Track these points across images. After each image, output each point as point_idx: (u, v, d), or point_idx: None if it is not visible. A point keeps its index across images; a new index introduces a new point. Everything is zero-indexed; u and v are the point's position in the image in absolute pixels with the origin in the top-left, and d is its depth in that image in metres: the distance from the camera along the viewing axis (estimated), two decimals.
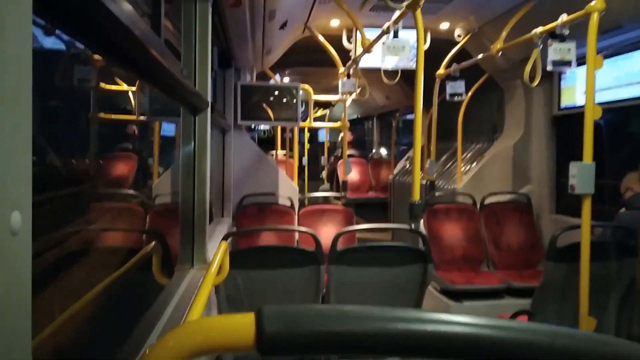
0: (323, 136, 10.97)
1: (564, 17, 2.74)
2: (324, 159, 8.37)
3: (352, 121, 11.00)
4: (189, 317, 1.27)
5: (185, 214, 1.87)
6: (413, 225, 2.58)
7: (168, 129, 3.25)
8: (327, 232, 3.76)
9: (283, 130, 6.54)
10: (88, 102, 1.71)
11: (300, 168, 6.84)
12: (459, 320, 0.40)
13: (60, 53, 1.34)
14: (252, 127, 11.12)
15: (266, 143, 9.94)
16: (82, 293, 1.22)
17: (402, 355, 0.40)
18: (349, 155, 7.74)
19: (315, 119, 8.99)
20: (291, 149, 6.02)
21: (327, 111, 10.63)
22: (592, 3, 2.32)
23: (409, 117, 7.96)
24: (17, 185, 0.43)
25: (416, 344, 0.39)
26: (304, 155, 6.78)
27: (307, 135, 7.22)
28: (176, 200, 1.93)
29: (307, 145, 7.15)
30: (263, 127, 11.66)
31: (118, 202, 2.13)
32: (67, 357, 1.09)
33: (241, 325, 0.40)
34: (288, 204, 4.21)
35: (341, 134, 5.73)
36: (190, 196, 1.86)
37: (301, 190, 6.09)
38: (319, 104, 10.09)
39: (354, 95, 4.90)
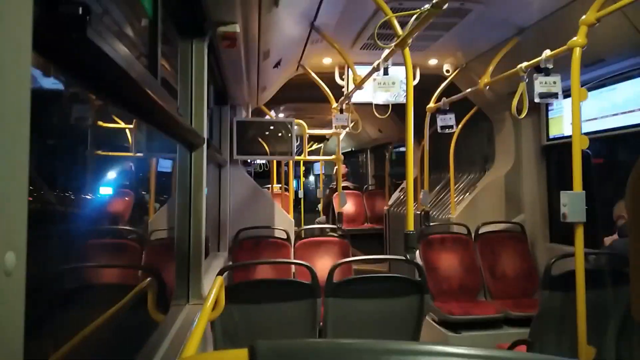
0: (318, 169, 11.06)
1: (547, 52, 2.84)
2: (319, 192, 8.42)
3: (346, 154, 11.14)
4: (184, 353, 1.26)
5: (181, 249, 1.87)
6: (408, 256, 2.58)
7: (164, 164, 3.28)
8: (323, 264, 3.75)
9: (279, 164, 6.60)
10: (85, 140, 1.75)
11: (297, 201, 6.86)
12: (456, 352, 0.39)
13: (58, 92, 1.38)
14: (249, 161, 11.20)
15: (263, 177, 10.01)
16: (77, 330, 1.22)
17: None
18: (344, 187, 7.80)
19: (310, 153, 9.10)
20: (287, 183, 6.07)
21: (321, 145, 10.77)
22: (574, 39, 2.41)
23: (403, 149, 8.06)
24: (11, 226, 0.43)
25: None
26: (300, 189, 6.82)
27: (302, 168, 7.28)
28: (172, 236, 1.94)
29: (302, 179, 7.20)
30: (259, 161, 11.74)
31: (114, 238, 2.13)
32: None
33: None
34: (284, 236, 4.20)
35: (336, 167, 5.80)
36: (186, 231, 1.88)
37: (298, 223, 6.10)
38: (314, 138, 10.22)
39: (347, 129, 4.99)
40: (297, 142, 5.11)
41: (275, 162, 6.39)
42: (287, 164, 6.52)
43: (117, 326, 1.50)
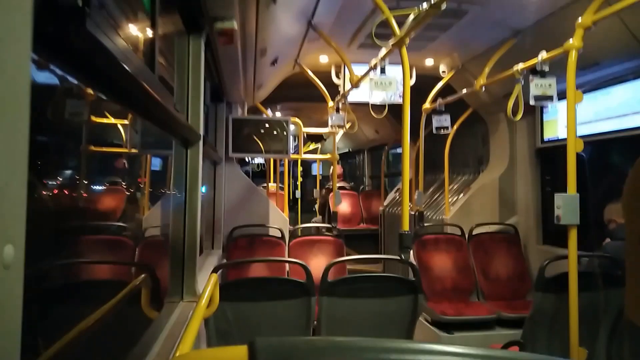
0: (316, 169, 11.10)
1: (543, 55, 2.85)
2: (316, 192, 8.43)
3: (344, 155, 11.16)
4: (179, 350, 1.25)
5: (175, 246, 1.86)
6: (403, 256, 2.59)
7: (157, 163, 3.26)
8: (317, 263, 3.74)
9: (275, 163, 6.61)
10: (80, 135, 1.73)
11: (294, 201, 6.86)
12: (450, 350, 0.40)
13: (54, 87, 1.36)
14: (247, 160, 11.20)
15: (261, 177, 10.02)
16: (70, 327, 1.21)
17: None
18: (340, 188, 7.81)
19: (308, 152, 9.11)
20: (282, 182, 6.07)
21: (319, 145, 10.79)
22: (570, 41, 2.43)
23: (399, 150, 8.08)
24: (10, 219, 0.43)
25: None
26: (297, 189, 6.83)
27: (299, 168, 7.29)
28: (166, 233, 1.93)
29: (300, 179, 7.20)
30: (257, 160, 11.75)
31: (107, 234, 2.12)
32: None
33: (233, 358, 0.40)
34: (278, 235, 4.20)
35: (332, 167, 5.81)
36: (181, 228, 1.87)
37: (295, 223, 6.09)
38: (312, 138, 10.24)
39: (344, 129, 4.99)
40: (294, 141, 5.10)
41: (272, 161, 6.39)
42: (282, 164, 6.51)
43: (111, 322, 1.49)
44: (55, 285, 1.28)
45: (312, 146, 10.90)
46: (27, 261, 0.47)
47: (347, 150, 10.94)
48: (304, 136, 5.58)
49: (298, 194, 6.83)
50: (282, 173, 6.20)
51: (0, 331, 0.41)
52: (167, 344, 1.45)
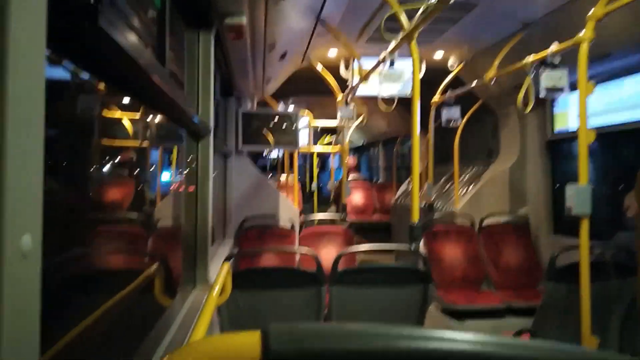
0: (335, 163, 11.21)
1: (554, 47, 2.83)
2: (330, 183, 8.47)
3: (359, 148, 11.16)
4: (193, 337, 1.29)
5: (187, 236, 1.90)
6: (413, 246, 2.61)
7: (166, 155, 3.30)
8: (327, 254, 3.77)
9: (291, 156, 6.65)
10: (92, 129, 1.78)
11: (311, 193, 6.88)
12: (463, 337, 0.40)
13: (67, 82, 1.41)
14: (263, 154, 11.26)
15: (277, 169, 10.08)
16: (87, 314, 1.25)
17: None
18: (354, 179, 7.82)
19: (323, 145, 9.12)
20: (300, 175, 6.10)
21: (334, 137, 10.84)
22: (582, 33, 2.40)
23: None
24: (28, 209, 0.44)
25: None
26: (313, 181, 6.86)
27: (315, 160, 7.32)
28: (178, 223, 1.97)
29: (316, 171, 7.22)
30: (274, 154, 11.79)
31: (121, 225, 2.17)
32: None
33: (247, 343, 0.40)
34: (289, 226, 4.24)
35: (348, 158, 5.83)
36: (193, 219, 1.90)
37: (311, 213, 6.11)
38: (327, 131, 10.27)
39: (357, 122, 5.00)
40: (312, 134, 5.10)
41: (286, 154, 6.44)
42: (303, 157, 6.52)
43: (127, 309, 1.53)
44: (75, 274, 1.33)
45: (327, 139, 10.92)
46: (47, 251, 0.49)
47: (362, 143, 10.97)
48: (318, 129, 5.59)
49: (314, 186, 6.86)
50: (300, 165, 6.22)
51: (19, 318, 0.43)
52: (181, 331, 1.49)
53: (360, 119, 5.31)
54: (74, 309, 1.27)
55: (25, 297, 0.44)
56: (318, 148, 7.51)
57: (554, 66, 2.91)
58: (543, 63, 2.95)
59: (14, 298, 0.42)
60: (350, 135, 5.73)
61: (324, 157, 11.24)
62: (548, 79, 2.92)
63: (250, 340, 0.40)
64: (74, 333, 1.17)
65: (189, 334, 1.41)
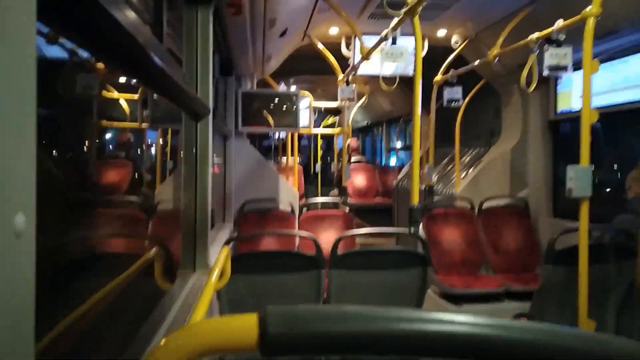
0: (340, 144, 11.13)
1: (559, 23, 2.77)
2: (334, 165, 8.42)
3: (363, 128, 10.99)
4: (192, 319, 1.28)
5: (187, 219, 1.88)
6: (412, 230, 2.60)
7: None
8: (327, 237, 3.77)
9: (293, 137, 6.59)
10: (91, 110, 1.74)
11: (315, 175, 6.85)
12: (461, 320, 0.39)
13: (64, 61, 1.36)
14: (268, 135, 11.16)
15: (278, 151, 10.02)
16: (87, 296, 1.24)
17: (406, 355, 0.40)
18: (357, 162, 7.75)
19: (327, 127, 9.03)
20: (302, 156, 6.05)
21: (337, 118, 10.69)
22: (588, 8, 2.35)
23: None
24: (21, 187, 0.43)
25: (420, 343, 0.39)
26: (317, 162, 6.79)
27: (319, 142, 7.25)
28: (178, 206, 1.95)
29: (320, 152, 7.16)
30: (279, 135, 11.75)
31: (121, 208, 2.15)
32: (71, 359, 1.10)
33: (244, 326, 0.40)
34: (289, 209, 4.22)
35: (349, 140, 5.76)
36: (192, 201, 1.88)
37: (315, 196, 6.08)
38: (331, 112, 10.14)
39: (359, 103, 4.93)
40: (315, 115, 5.02)
41: (289, 135, 6.37)
42: (307, 138, 6.44)
43: (127, 292, 1.52)
44: (72, 256, 1.31)
45: (330, 120, 10.80)
46: (42, 230, 0.47)
47: (366, 123, 10.80)
48: (322, 110, 5.51)
49: (318, 167, 6.80)
50: (305, 147, 6.15)
51: (15, 299, 0.42)
52: (181, 314, 1.48)
53: (363, 99, 5.24)
54: (74, 292, 1.26)
55: (20, 277, 0.43)
56: (318, 130, 7.44)
57: (559, 43, 2.85)
58: (548, 40, 2.89)
59: (8, 279, 0.41)
60: (354, 115, 5.66)
61: (329, 138, 11.16)
62: (552, 56, 2.86)
63: (248, 322, 0.40)
64: (75, 314, 1.15)
65: (189, 317, 1.40)
